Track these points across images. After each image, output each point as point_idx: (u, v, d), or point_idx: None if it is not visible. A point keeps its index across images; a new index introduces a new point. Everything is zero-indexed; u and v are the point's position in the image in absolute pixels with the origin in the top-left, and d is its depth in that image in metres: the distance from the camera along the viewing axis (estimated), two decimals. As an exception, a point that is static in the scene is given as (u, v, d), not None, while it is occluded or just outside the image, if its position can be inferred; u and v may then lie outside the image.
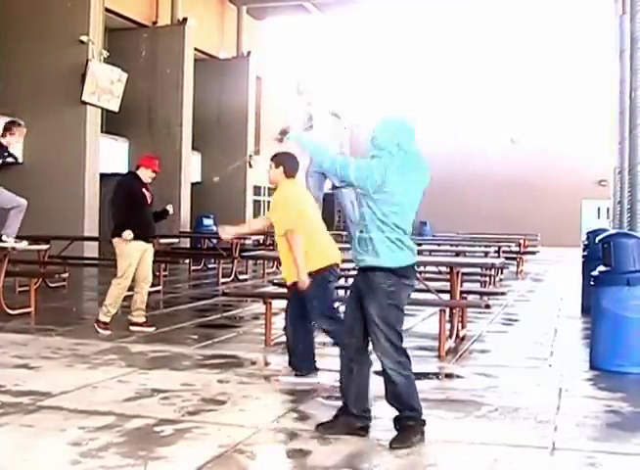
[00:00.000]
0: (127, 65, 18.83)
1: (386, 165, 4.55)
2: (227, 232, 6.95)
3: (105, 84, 17.54)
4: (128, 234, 8.44)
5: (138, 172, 8.84)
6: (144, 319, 8.78)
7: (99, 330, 8.43)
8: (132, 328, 8.62)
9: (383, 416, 5.15)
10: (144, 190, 8.76)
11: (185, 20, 21.20)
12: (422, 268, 13.04)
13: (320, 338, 8.73)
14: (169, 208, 9.46)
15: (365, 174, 4.56)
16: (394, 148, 4.59)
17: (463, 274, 9.14)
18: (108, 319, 8.53)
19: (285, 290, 8.64)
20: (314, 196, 7.93)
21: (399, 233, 4.59)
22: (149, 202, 8.81)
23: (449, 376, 6.83)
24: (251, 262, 17.44)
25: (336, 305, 6.51)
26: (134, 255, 8.60)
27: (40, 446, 4.43)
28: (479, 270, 12.87)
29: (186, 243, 19.50)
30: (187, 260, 17.90)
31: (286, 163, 6.34)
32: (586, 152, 33.29)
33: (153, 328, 8.72)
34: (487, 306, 8.33)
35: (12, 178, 16.72)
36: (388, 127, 4.68)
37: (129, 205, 8.63)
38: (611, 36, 17.95)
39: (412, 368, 4.65)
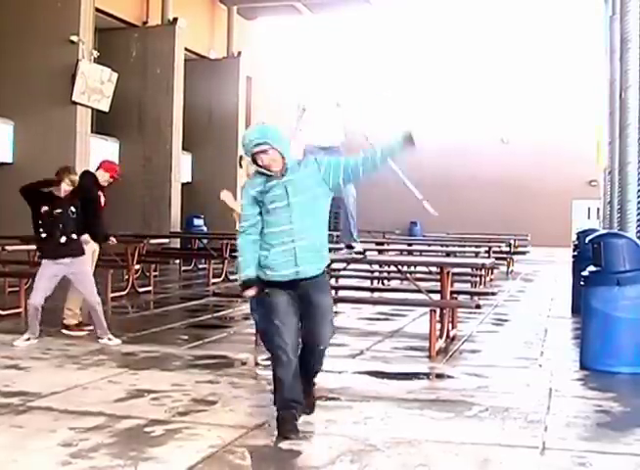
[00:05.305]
0: (117, 65, 18.79)
1: None
2: (227, 196, 7.05)
3: (95, 84, 17.49)
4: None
5: (97, 174, 8.77)
6: (74, 321, 8.51)
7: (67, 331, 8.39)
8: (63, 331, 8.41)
9: (373, 416, 5.16)
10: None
11: (175, 20, 21.15)
12: (412, 268, 13.09)
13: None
14: (111, 240, 9.19)
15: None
16: None
17: (453, 274, 9.15)
18: (71, 321, 8.49)
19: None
20: None
21: None
22: (102, 204, 8.70)
23: (440, 376, 6.84)
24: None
25: None
26: None
27: (30, 447, 4.41)
28: (469, 270, 12.89)
29: (176, 243, 19.45)
30: (177, 261, 17.88)
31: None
32: (576, 152, 33.33)
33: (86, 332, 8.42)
34: (478, 307, 8.34)
35: (2, 178, 16.86)
36: None
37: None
38: (601, 37, 18.00)
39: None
